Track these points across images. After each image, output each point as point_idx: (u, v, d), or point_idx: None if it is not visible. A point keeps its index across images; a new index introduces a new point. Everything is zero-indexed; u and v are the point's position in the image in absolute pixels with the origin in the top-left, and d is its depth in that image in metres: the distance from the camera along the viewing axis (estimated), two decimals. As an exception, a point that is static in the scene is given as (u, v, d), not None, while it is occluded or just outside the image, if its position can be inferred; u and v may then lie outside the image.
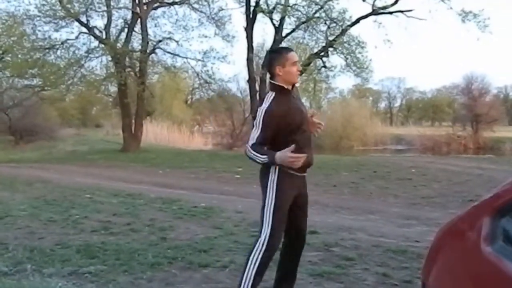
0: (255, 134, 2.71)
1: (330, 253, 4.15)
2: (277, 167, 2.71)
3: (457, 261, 1.48)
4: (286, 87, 2.78)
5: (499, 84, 56.98)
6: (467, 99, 31.04)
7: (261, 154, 2.67)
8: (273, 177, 2.74)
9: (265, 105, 2.73)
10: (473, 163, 13.86)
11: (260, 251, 2.68)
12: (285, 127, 2.70)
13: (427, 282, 1.68)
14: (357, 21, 16.08)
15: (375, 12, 15.82)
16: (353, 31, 16.68)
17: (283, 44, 17.62)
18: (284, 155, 2.57)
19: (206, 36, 18.89)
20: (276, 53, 2.93)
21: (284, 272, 2.96)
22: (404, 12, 15.50)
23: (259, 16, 16.53)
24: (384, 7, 15.82)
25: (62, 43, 18.00)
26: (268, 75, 2.92)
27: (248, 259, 2.71)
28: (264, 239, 2.69)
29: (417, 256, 3.91)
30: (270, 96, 2.77)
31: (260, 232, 2.73)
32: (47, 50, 17.76)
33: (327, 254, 4.10)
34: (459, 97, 35.31)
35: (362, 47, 16.48)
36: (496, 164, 13.19)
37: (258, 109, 2.76)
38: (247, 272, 2.69)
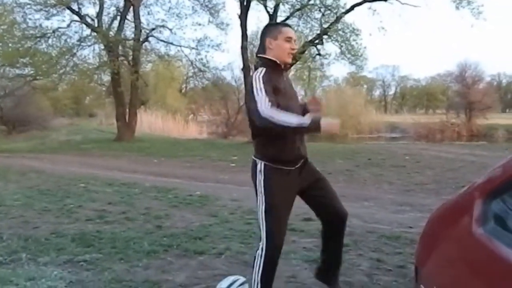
0: (262, 97, 2.30)
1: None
2: (263, 165, 2.48)
3: (449, 243, 1.49)
4: (278, 62, 2.49)
5: (493, 71, 57.37)
6: (461, 87, 31.16)
7: (293, 118, 2.28)
8: (260, 178, 2.50)
9: (258, 74, 2.40)
10: (466, 150, 13.97)
11: (261, 256, 2.50)
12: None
13: (419, 266, 1.69)
14: (352, 8, 16.02)
15: (370, -1, 15.76)
16: (348, 18, 16.67)
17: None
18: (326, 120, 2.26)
19: (199, 24, 18.78)
20: (271, 26, 2.70)
21: (328, 255, 2.80)
22: (399, -1, 15.46)
23: (253, 3, 16.43)
24: (379, -6, 15.76)
25: (54, 32, 17.80)
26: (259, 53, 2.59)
27: (253, 266, 2.54)
28: (262, 244, 2.51)
29: (410, 241, 3.96)
30: (260, 71, 2.42)
31: (260, 237, 2.55)
32: (38, 39, 17.56)
33: (318, 242, 4.13)
34: (453, 85, 35.49)
35: (357, 35, 16.43)
36: (488, 151, 13.29)
37: (250, 79, 2.42)
38: (253, 278, 2.52)
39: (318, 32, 16.62)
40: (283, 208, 2.52)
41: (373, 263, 3.55)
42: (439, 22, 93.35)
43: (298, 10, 16.24)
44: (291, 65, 2.54)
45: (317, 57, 17.60)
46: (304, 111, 2.56)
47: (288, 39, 2.51)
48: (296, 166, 2.55)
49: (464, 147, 15.69)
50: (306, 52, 17.02)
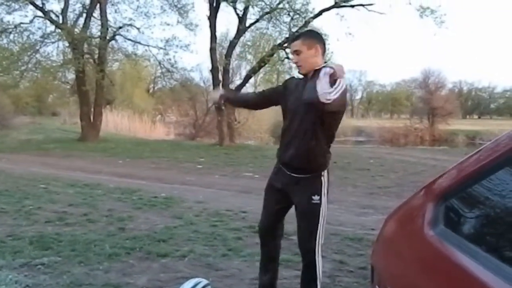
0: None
1: (289, 241, 4.19)
2: None
3: (403, 244, 1.53)
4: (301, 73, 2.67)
5: (455, 79, 59.38)
6: (424, 93, 32.13)
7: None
8: None
9: None
10: (428, 154, 14.39)
11: None
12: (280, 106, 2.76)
13: (375, 266, 1.73)
14: (320, 13, 16.24)
15: (338, 5, 16.02)
16: (316, 23, 16.83)
17: (247, 35, 17.61)
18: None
19: (168, 24, 18.49)
20: None
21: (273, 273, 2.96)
22: (365, 6, 15.77)
23: (223, 5, 16.40)
24: (346, 0, 16.03)
25: (16, 27, 17.17)
26: None
27: None
28: None
29: (372, 243, 4.02)
30: None
31: None
32: (-1, 34, 16.94)
33: (286, 243, 4.12)
34: (417, 91, 36.56)
35: (325, 40, 16.64)
36: (449, 155, 13.73)
37: None
38: None
39: (287, 35, 16.75)
40: (266, 199, 2.85)
41: (335, 265, 3.61)
42: (405, 30, 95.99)
43: (267, 13, 16.32)
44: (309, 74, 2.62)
45: (286, 60, 17.72)
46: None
47: (292, 52, 2.68)
48: (289, 172, 2.66)
49: (426, 152, 16.17)
50: (275, 55, 17.12)
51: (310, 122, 2.54)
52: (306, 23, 16.23)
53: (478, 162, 1.32)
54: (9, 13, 16.94)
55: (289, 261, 3.59)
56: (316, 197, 2.62)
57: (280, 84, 2.91)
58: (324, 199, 2.64)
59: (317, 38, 2.70)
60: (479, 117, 57.06)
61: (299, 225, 2.71)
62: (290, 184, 2.68)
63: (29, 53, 17.42)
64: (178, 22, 18.46)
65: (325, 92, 2.32)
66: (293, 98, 2.64)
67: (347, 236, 4.45)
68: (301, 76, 2.70)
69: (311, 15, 16.26)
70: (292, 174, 2.66)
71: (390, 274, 1.57)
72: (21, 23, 17.22)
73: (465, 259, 1.13)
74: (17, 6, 16.78)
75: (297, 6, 16.22)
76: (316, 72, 2.51)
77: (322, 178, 2.65)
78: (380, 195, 7.49)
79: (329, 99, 2.31)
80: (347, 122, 36.54)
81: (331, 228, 4.84)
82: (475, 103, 59.66)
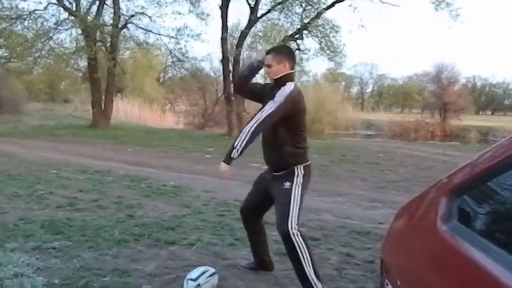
0: None
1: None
2: None
3: (414, 239, 1.53)
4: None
5: (468, 74, 58.66)
6: (437, 88, 31.72)
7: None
8: None
9: None
10: (439, 149, 14.26)
11: None
12: None
13: (385, 260, 1.73)
14: (333, 4, 16.09)
15: (351, -4, 15.86)
16: (328, 14, 16.71)
17: (258, 25, 17.52)
18: None
19: (180, 13, 18.47)
20: None
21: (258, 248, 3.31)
22: (379, -2, 15.60)
23: (235, -6, 16.33)
24: (360, -8, 15.88)
25: (30, 13, 17.28)
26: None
27: None
28: None
29: (380, 237, 4.02)
30: None
31: None
32: (13, 20, 17.02)
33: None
34: (429, 85, 36.08)
35: (336, 31, 16.54)
36: (460, 151, 13.60)
37: None
38: None
39: (299, 27, 16.65)
40: (253, 187, 3.23)
41: (342, 258, 3.61)
42: (418, 23, 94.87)
43: (279, 3, 16.22)
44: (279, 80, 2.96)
45: (297, 52, 17.62)
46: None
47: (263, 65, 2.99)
48: (271, 172, 3.02)
49: (437, 147, 16.02)
50: (286, 46, 17.04)
51: (275, 128, 2.86)
52: (318, 14, 16.12)
53: (492, 159, 1.31)
54: (24, 0, 17.04)
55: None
56: (287, 183, 2.88)
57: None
58: (295, 186, 2.87)
59: (286, 54, 3.00)
60: (492, 113, 56.30)
61: (275, 211, 2.94)
62: (270, 181, 3.01)
63: (42, 40, 17.54)
64: (189, 11, 18.44)
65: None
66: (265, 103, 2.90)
67: (355, 230, 4.44)
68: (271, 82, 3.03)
69: (324, 6, 16.13)
70: (272, 173, 3.01)
71: (400, 268, 1.57)
72: (36, 9, 17.33)
73: (478, 254, 1.13)
74: (32, -7, 16.87)
75: (310, -3, 16.10)
76: (284, 80, 2.90)
77: (296, 170, 2.90)
78: (389, 189, 7.46)
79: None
80: (356, 115, 36.42)
81: (338, 221, 4.85)
82: (489, 98, 58.86)
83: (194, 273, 2.84)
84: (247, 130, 2.76)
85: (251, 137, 2.76)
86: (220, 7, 16.49)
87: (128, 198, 5.57)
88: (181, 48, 18.83)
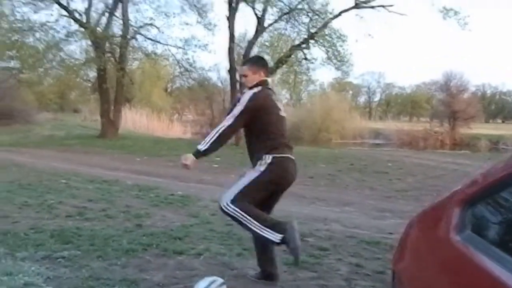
0: None
1: (305, 243, 4.19)
2: None
3: (427, 249, 1.52)
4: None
5: (477, 82, 58.34)
6: (445, 96, 31.57)
7: None
8: None
9: None
10: (448, 158, 14.16)
11: None
12: None
13: (397, 270, 1.72)
14: (339, 14, 16.16)
15: (358, 5, 15.93)
16: (335, 24, 16.81)
17: (265, 35, 17.62)
18: None
19: (187, 24, 18.65)
20: None
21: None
22: (386, 7, 15.63)
23: (242, 5, 16.46)
24: (366, 1, 15.92)
25: (41, 26, 17.51)
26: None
27: None
28: None
29: (390, 247, 3.98)
30: None
31: None
32: (25, 32, 17.26)
33: (301, 244, 4.13)
34: (438, 94, 35.94)
35: (343, 40, 16.57)
36: (470, 160, 13.50)
37: None
38: None
39: (305, 36, 16.70)
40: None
41: (352, 268, 3.58)
42: (426, 31, 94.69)
43: (286, 14, 16.30)
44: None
45: (304, 61, 17.67)
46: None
47: (240, 74, 3.40)
48: None
49: (447, 155, 15.91)
50: (293, 56, 17.09)
51: (249, 127, 3.14)
52: (325, 23, 16.17)
53: (506, 168, 1.30)
54: (36, 12, 17.31)
55: (305, 262, 3.58)
56: (251, 169, 3.12)
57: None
58: (254, 170, 3.06)
59: (261, 65, 3.27)
60: (503, 121, 55.81)
61: None
62: None
63: (53, 51, 17.75)
64: (197, 22, 18.57)
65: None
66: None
67: (364, 239, 4.40)
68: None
69: (330, 16, 16.20)
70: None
71: (412, 279, 1.56)
72: (47, 21, 17.54)
73: (492, 265, 1.12)
74: (43, 5, 17.13)
75: (317, 7, 16.18)
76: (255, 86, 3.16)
77: (264, 157, 3.05)
78: (398, 198, 7.41)
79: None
80: (364, 124, 36.27)
81: (347, 230, 4.81)
82: (499, 107, 58.46)
83: (202, 283, 2.83)
84: (215, 131, 3.02)
85: (218, 138, 3.01)
86: (228, 18, 16.61)
87: (136, 207, 5.59)
88: (188, 59, 18.96)
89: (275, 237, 2.88)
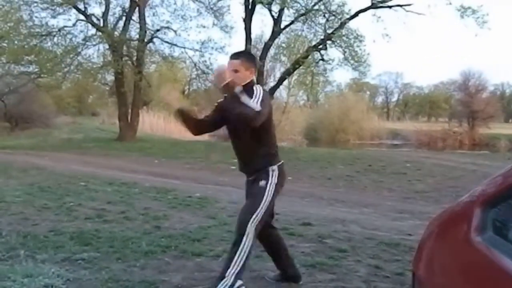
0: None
1: (323, 244, 4.17)
2: None
3: (447, 251, 1.49)
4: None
5: (496, 81, 57.33)
6: (464, 96, 31.14)
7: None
8: None
9: None
10: (467, 158, 13.93)
11: None
12: None
13: (417, 272, 1.69)
14: (356, 14, 16.05)
15: (374, 5, 15.80)
16: (352, 24, 16.68)
17: (281, 37, 17.61)
18: None
19: (204, 26, 18.79)
20: None
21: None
22: (403, 6, 15.47)
23: (258, 7, 16.46)
24: (383, 1, 15.78)
25: (59, 30, 17.87)
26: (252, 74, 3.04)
27: None
28: None
29: (409, 249, 3.93)
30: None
31: None
32: (44, 37, 17.63)
33: (320, 246, 4.12)
34: (456, 93, 35.50)
35: (360, 41, 16.47)
36: (490, 160, 13.26)
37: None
38: None
39: (322, 37, 16.64)
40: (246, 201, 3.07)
41: (371, 270, 3.54)
42: (443, 30, 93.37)
43: (302, 15, 16.26)
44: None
45: (321, 62, 17.62)
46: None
47: (230, 70, 2.89)
48: (248, 178, 3.05)
49: (466, 156, 15.65)
50: (310, 57, 17.05)
51: (253, 130, 2.83)
52: (342, 24, 16.09)
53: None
54: (53, 17, 17.67)
55: (323, 264, 3.55)
56: (262, 182, 2.90)
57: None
58: (270, 185, 2.89)
59: (254, 61, 3.08)
60: (523, 121, 54.81)
61: (244, 205, 2.98)
62: (249, 186, 3.03)
63: (71, 55, 18.08)
64: (213, 24, 18.72)
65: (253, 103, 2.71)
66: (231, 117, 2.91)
67: (383, 241, 4.35)
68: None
69: (347, 16, 16.11)
70: (249, 178, 3.04)
71: (433, 281, 1.53)
72: (65, 26, 17.94)
73: None
74: (61, 10, 17.47)
75: (333, 8, 16.13)
76: (251, 86, 2.87)
77: (271, 170, 2.93)
78: (417, 199, 7.32)
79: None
80: (382, 124, 35.98)
81: (366, 232, 4.76)
82: (519, 106, 57.31)
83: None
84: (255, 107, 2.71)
85: (258, 113, 2.70)
86: (244, 20, 16.65)
87: (155, 209, 5.62)
88: (205, 61, 19.12)
89: (239, 277, 2.76)
